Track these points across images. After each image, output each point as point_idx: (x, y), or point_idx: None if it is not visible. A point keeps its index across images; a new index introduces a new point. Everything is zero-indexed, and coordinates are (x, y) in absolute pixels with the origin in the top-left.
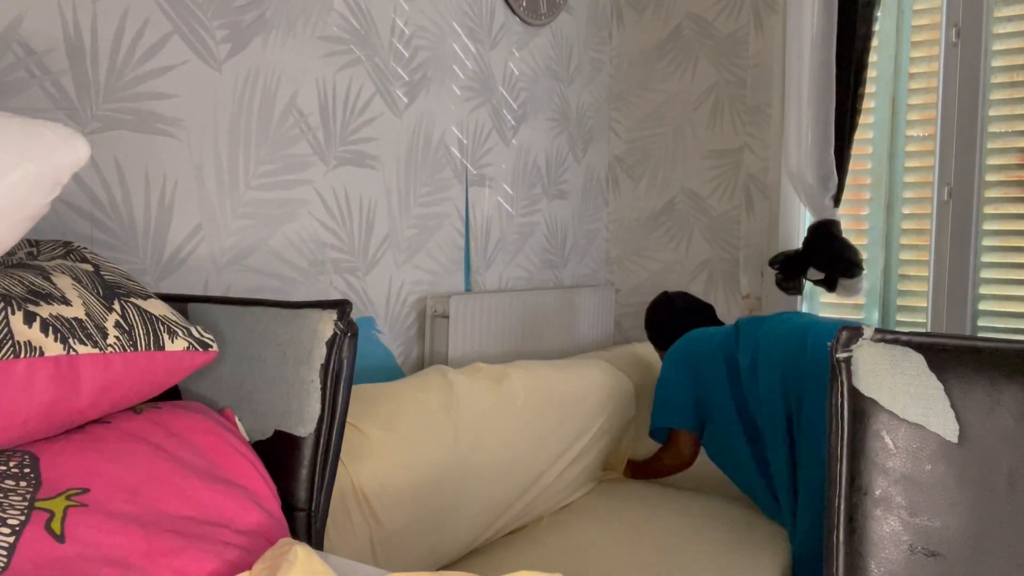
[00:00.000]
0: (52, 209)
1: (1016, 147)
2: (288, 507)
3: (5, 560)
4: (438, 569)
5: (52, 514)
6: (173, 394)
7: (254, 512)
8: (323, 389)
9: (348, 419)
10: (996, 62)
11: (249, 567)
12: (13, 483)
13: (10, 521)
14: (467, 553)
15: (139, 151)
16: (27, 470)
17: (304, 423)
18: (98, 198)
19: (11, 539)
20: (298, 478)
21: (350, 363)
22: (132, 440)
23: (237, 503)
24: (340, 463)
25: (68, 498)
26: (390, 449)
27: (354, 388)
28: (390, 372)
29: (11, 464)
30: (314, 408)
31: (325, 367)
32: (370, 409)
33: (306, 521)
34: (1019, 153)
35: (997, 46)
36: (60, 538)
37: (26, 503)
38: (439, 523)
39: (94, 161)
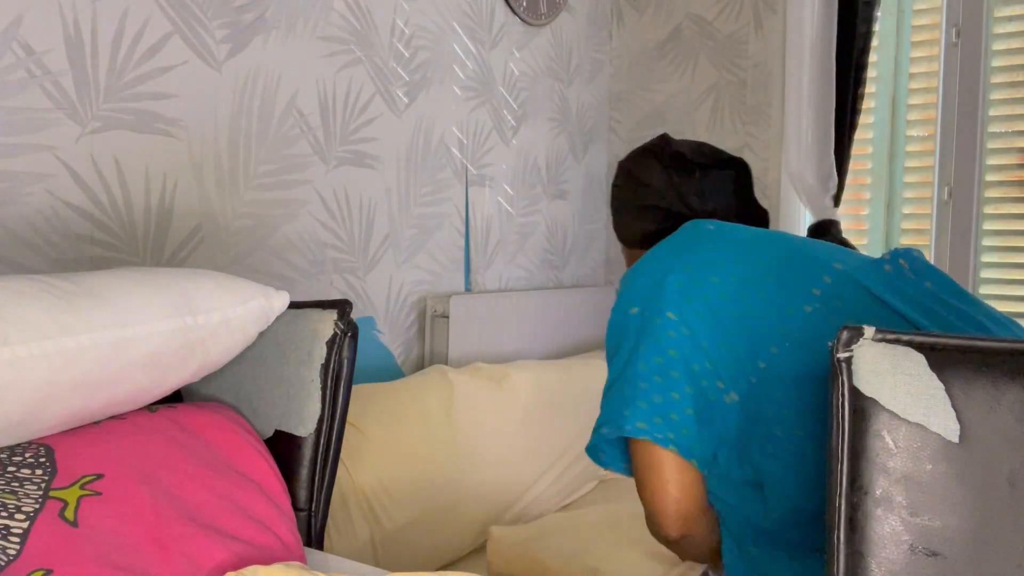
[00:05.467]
0: (52, 210)
1: (1016, 147)
2: None
3: (18, 547)
4: (438, 569)
5: (66, 503)
6: (175, 396)
7: (264, 506)
8: (323, 389)
9: (348, 419)
10: (996, 62)
11: (255, 560)
12: (29, 471)
13: (24, 508)
14: (467, 553)
15: (139, 151)
16: (43, 459)
17: (304, 423)
18: (98, 198)
19: (25, 524)
20: (298, 478)
21: (350, 363)
22: (147, 432)
23: (248, 496)
24: (340, 463)
25: (82, 487)
26: (390, 449)
27: (354, 388)
28: (390, 372)
29: (27, 455)
30: (314, 408)
31: (325, 367)
32: (370, 409)
33: (306, 521)
34: (1019, 153)
35: (997, 46)
36: (73, 524)
37: (41, 492)
38: (439, 523)
39: (94, 161)
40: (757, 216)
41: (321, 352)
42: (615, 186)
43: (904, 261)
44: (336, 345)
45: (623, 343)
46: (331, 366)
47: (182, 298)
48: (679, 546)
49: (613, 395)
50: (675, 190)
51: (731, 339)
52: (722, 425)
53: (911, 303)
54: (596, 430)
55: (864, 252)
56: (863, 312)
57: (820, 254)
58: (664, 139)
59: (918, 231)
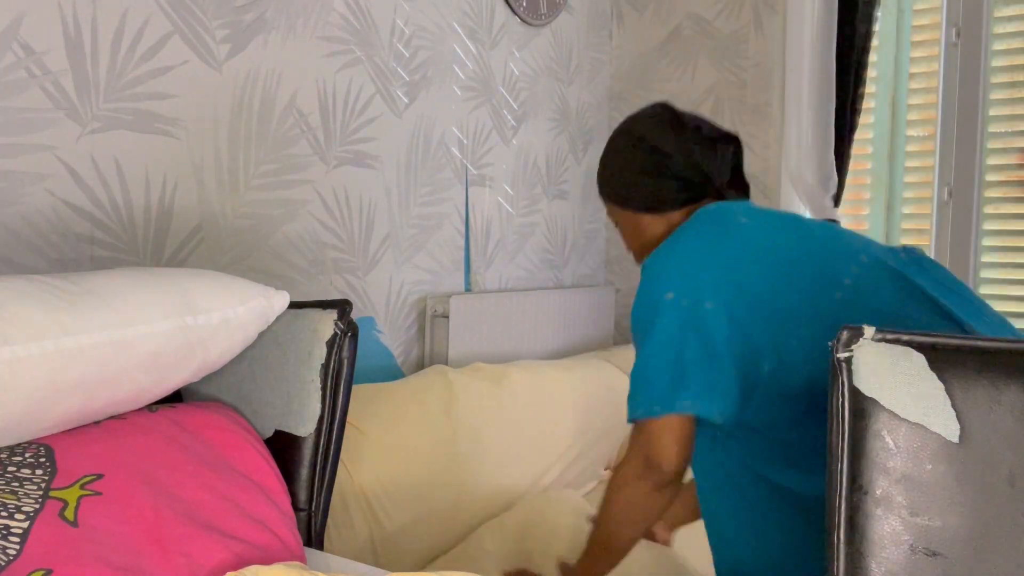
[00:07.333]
0: (52, 210)
1: (1016, 147)
2: None
3: (18, 547)
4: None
5: (66, 503)
6: (175, 396)
7: (264, 506)
8: (323, 389)
9: (348, 419)
10: (996, 62)
11: (255, 560)
12: (29, 472)
13: (24, 508)
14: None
15: (139, 151)
16: (43, 459)
17: (304, 423)
18: (98, 198)
19: (25, 524)
20: (298, 478)
21: (350, 363)
22: (147, 432)
23: (248, 496)
24: (340, 463)
25: (83, 487)
26: (390, 449)
27: (354, 388)
28: (390, 372)
29: (27, 455)
30: (314, 408)
31: (325, 367)
32: (370, 409)
33: (306, 521)
34: (1019, 153)
35: (997, 46)
36: (73, 524)
37: (41, 492)
38: (439, 523)
39: (94, 161)
40: (744, 188)
41: (321, 352)
42: (619, 149)
43: (905, 255)
44: (336, 345)
45: (657, 323)
46: (331, 366)
47: (182, 298)
48: (668, 491)
49: (658, 375)
50: (692, 161)
51: (765, 320)
52: (760, 393)
53: (935, 286)
54: (643, 405)
55: None
56: (896, 292)
57: (847, 246)
58: (669, 109)
59: (918, 231)
